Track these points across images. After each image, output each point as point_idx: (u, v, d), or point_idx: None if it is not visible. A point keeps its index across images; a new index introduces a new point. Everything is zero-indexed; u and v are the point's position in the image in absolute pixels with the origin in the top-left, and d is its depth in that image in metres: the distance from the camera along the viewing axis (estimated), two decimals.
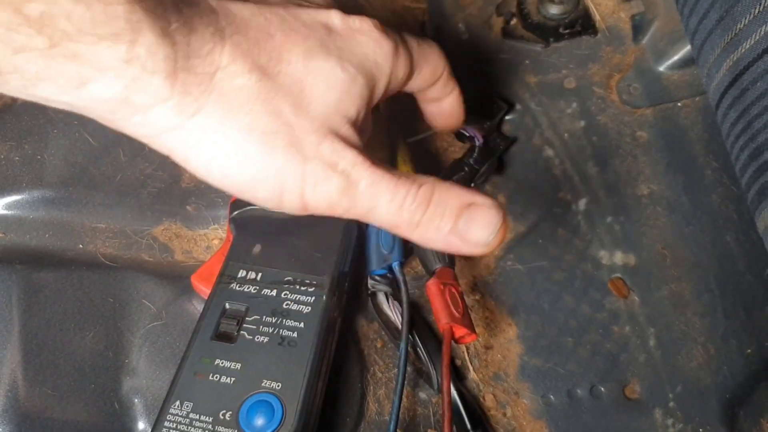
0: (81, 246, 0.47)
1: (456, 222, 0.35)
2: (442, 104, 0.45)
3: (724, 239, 0.54)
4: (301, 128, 0.32)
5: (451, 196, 0.35)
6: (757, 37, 0.43)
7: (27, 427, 0.40)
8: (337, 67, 0.33)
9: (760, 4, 0.42)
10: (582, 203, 0.56)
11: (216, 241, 0.50)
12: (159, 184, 0.50)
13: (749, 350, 0.51)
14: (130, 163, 0.49)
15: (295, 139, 0.32)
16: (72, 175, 0.47)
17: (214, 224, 0.51)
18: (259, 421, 0.38)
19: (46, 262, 0.45)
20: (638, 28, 0.61)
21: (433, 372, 0.49)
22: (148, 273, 0.47)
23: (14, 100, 0.48)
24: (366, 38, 0.35)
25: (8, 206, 0.46)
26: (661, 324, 0.52)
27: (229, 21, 0.31)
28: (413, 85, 0.40)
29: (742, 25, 0.44)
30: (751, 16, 0.43)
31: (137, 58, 0.27)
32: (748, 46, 0.43)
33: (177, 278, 0.47)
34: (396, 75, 0.37)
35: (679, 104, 0.58)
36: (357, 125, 0.35)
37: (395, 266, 0.49)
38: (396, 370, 0.49)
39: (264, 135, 0.31)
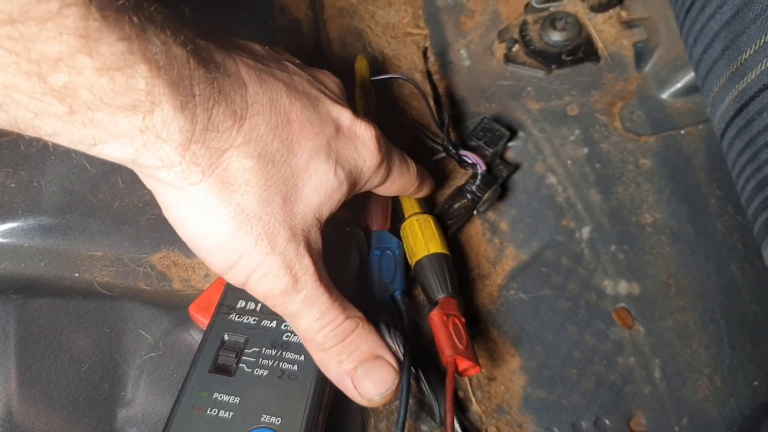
0: (77, 274, 0.46)
1: (357, 366, 0.37)
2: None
3: (729, 269, 0.54)
4: (281, 221, 0.33)
5: (366, 341, 0.37)
6: (763, 68, 0.42)
7: None
8: (331, 171, 0.35)
9: (765, 35, 0.42)
10: (586, 231, 0.55)
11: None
12: (157, 210, 0.48)
13: (756, 382, 0.51)
14: (129, 189, 0.48)
15: (272, 230, 0.33)
16: (69, 202, 0.47)
17: None
18: None
19: (41, 291, 0.44)
20: (641, 55, 0.61)
21: (435, 405, 0.48)
22: (145, 302, 0.46)
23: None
24: (363, 148, 0.38)
25: (3, 234, 0.45)
26: (666, 355, 0.51)
27: (256, 98, 0.32)
28: (379, 191, 0.43)
29: (747, 56, 0.43)
30: (756, 46, 0.43)
31: (152, 127, 0.28)
32: (753, 76, 0.43)
33: (175, 307, 0.47)
34: (372, 183, 0.40)
35: (682, 132, 0.58)
36: (321, 226, 0.36)
37: (397, 296, 0.49)
38: (397, 402, 0.48)
39: (248, 218, 0.32)
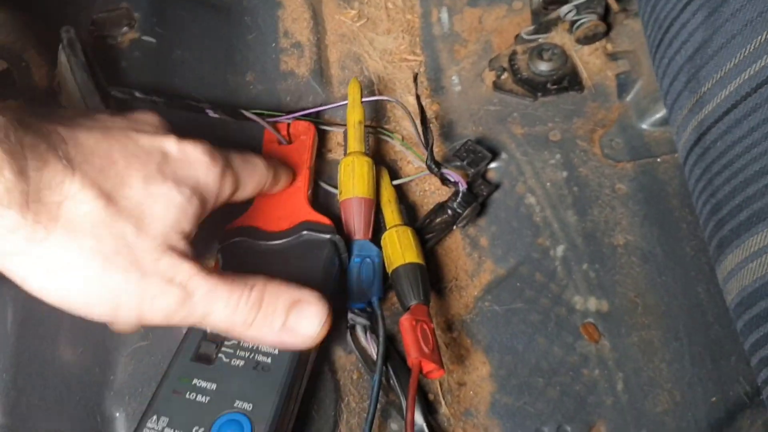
0: None
1: (286, 318, 0.40)
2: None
3: (695, 290, 0.56)
4: (141, 247, 0.35)
5: (280, 295, 0.40)
6: (719, 101, 0.45)
7: (13, 430, 0.43)
8: (173, 190, 0.38)
9: (721, 70, 0.45)
10: (560, 250, 0.58)
11: None
12: None
13: (714, 398, 0.53)
14: None
15: (135, 258, 0.35)
16: None
17: (205, 255, 0.54)
18: None
19: None
20: (623, 86, 0.64)
21: (404, 404, 0.51)
22: None
23: None
24: (198, 163, 0.40)
25: None
26: (629, 369, 0.54)
27: (78, 150, 0.35)
28: (239, 197, 0.46)
29: (705, 89, 0.47)
30: (713, 80, 0.46)
31: None
32: (710, 108, 0.46)
33: None
34: (222, 193, 0.43)
35: (658, 160, 0.61)
36: (190, 239, 0.39)
37: (374, 301, 0.52)
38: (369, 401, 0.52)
39: (106, 257, 0.34)
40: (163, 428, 0.42)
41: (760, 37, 0.43)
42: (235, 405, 0.42)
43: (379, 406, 0.51)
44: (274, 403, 0.43)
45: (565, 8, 0.64)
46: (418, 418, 0.51)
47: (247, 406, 0.42)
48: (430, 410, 0.53)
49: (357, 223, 0.54)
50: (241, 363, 0.44)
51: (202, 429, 0.41)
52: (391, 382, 0.51)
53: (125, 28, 0.56)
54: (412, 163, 0.61)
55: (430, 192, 0.60)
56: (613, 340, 0.55)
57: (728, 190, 0.45)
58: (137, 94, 0.49)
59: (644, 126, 0.62)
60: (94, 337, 0.48)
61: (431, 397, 0.54)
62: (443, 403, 0.54)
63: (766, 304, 0.41)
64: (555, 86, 0.64)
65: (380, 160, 0.60)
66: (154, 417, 0.42)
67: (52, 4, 0.56)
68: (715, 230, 0.46)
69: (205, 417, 0.42)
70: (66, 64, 0.44)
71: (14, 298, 0.46)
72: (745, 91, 0.44)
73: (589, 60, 0.65)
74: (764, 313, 0.41)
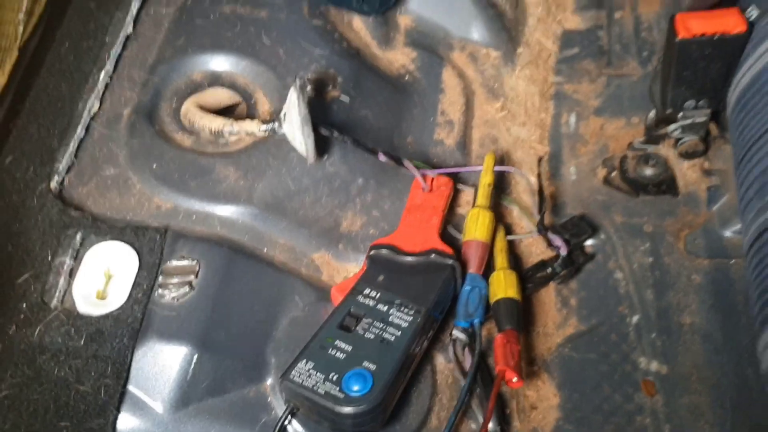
0: (265, 250, 0.68)
1: None
2: None
3: (746, 372, 0.66)
4: None
5: None
6: None
7: (203, 350, 0.61)
8: None
9: None
10: (635, 318, 0.70)
11: (352, 274, 0.69)
12: (325, 225, 0.70)
13: None
14: (311, 206, 0.71)
15: None
16: (272, 202, 0.70)
17: (354, 263, 0.70)
18: (355, 387, 0.55)
19: (241, 253, 0.67)
20: (712, 197, 0.77)
21: (485, 406, 0.63)
22: (302, 281, 0.67)
23: (248, 147, 0.71)
24: None
25: (226, 211, 0.69)
26: (676, 424, 0.64)
27: None
28: None
29: None
30: None
31: None
32: None
33: (320, 291, 0.67)
34: None
35: (731, 261, 0.72)
36: None
37: (476, 323, 0.66)
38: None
39: None
40: (309, 369, 0.57)
41: None
42: (363, 364, 0.57)
43: (464, 407, 0.64)
44: (392, 368, 0.57)
45: (672, 126, 0.77)
46: (493, 425, 0.63)
47: (372, 366, 0.56)
48: (506, 421, 0.65)
49: (473, 259, 0.68)
50: (372, 336, 0.59)
51: (337, 375, 0.56)
52: (478, 391, 0.64)
53: (329, 87, 0.75)
54: (524, 228, 0.76)
55: (536, 253, 0.74)
56: (667, 397, 0.66)
57: None
58: (335, 133, 0.67)
59: (725, 233, 0.74)
60: (266, 300, 0.65)
61: (508, 411, 0.66)
62: (517, 418, 0.66)
63: None
64: (655, 189, 0.78)
65: (498, 218, 0.75)
66: (304, 360, 0.57)
67: (279, 62, 0.76)
68: (761, 310, 0.58)
69: (340, 367, 0.56)
70: (295, 99, 0.63)
71: (225, 259, 0.64)
72: None
73: (687, 172, 0.78)
74: None
